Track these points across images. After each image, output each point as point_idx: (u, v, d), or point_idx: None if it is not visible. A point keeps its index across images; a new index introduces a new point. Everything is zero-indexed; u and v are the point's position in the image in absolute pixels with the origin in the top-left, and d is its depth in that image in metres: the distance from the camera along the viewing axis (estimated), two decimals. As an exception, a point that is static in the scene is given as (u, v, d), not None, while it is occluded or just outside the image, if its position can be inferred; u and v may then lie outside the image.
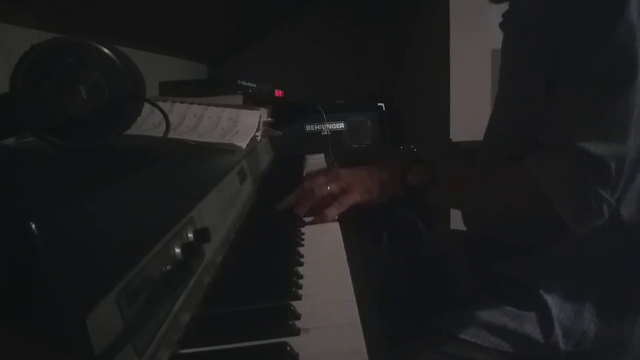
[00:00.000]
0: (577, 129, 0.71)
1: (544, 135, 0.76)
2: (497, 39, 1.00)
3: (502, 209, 0.83)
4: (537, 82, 0.78)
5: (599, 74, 0.70)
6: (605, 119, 0.70)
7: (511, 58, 0.88)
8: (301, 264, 0.65)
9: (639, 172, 0.75)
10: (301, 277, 0.60)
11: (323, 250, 0.71)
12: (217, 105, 0.98)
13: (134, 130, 0.68)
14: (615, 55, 0.69)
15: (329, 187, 0.85)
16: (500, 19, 0.94)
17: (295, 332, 0.47)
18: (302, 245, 0.73)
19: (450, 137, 1.73)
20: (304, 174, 1.04)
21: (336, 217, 0.84)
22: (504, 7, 0.94)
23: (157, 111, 0.69)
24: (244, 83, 1.36)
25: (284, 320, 0.49)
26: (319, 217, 0.84)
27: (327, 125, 1.92)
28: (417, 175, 0.82)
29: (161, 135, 0.71)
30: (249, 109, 1.00)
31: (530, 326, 0.78)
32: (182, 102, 0.97)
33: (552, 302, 0.78)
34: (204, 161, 0.78)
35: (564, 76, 0.74)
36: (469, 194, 0.85)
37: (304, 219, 0.83)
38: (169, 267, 0.48)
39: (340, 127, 1.94)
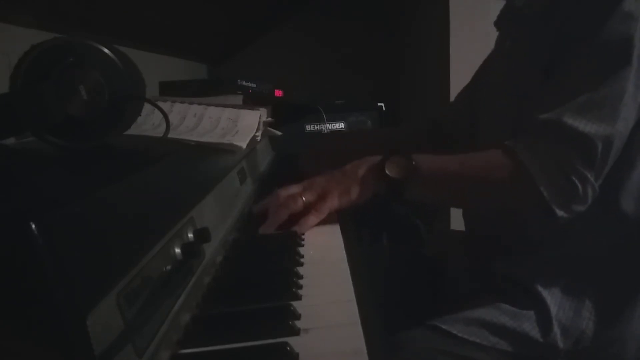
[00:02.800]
0: (567, 106, 0.70)
1: (533, 115, 0.74)
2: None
3: (486, 195, 0.79)
4: (535, 78, 0.77)
5: (593, 57, 0.70)
6: (596, 99, 0.69)
7: (509, 54, 0.88)
8: (301, 264, 0.65)
9: (635, 168, 0.75)
10: (301, 277, 0.60)
11: (323, 250, 0.71)
12: (217, 105, 0.98)
13: (134, 130, 0.68)
14: (610, 40, 0.69)
15: (304, 198, 0.79)
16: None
17: (296, 332, 0.47)
18: (302, 245, 0.73)
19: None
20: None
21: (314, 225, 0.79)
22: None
23: (157, 111, 0.69)
24: (244, 83, 1.36)
25: (284, 320, 0.49)
26: (297, 227, 0.78)
27: (327, 125, 1.92)
28: (396, 168, 0.77)
29: (161, 135, 0.71)
30: (249, 109, 1.00)
31: (529, 325, 0.78)
32: (182, 102, 0.97)
33: (551, 300, 0.78)
34: (204, 161, 0.78)
35: (560, 59, 0.74)
36: (452, 184, 0.79)
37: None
38: (169, 267, 0.48)
39: (340, 127, 1.94)
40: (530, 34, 0.80)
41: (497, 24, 0.93)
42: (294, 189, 0.81)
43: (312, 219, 0.79)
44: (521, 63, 0.83)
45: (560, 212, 0.70)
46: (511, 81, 0.85)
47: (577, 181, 0.69)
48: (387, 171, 0.77)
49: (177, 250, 0.51)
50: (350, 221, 0.86)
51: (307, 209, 0.79)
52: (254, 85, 1.41)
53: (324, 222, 0.82)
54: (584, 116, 0.69)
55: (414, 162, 0.76)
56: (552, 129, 0.70)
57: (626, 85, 0.68)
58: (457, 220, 1.60)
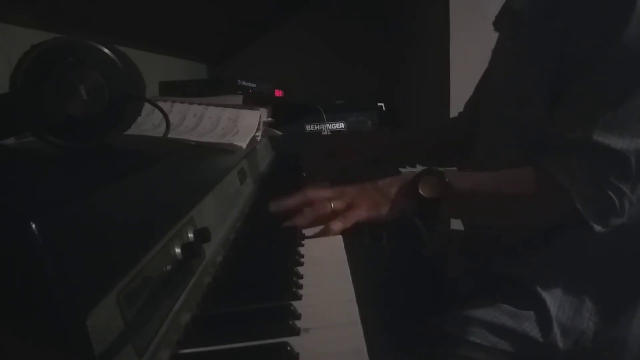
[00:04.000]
0: (594, 124, 0.69)
1: (558, 133, 0.74)
2: (497, 39, 1.00)
3: (523, 214, 0.79)
4: (539, 83, 0.77)
5: (613, 68, 0.70)
6: (623, 114, 0.69)
7: (510, 58, 0.87)
8: (301, 264, 0.65)
9: None
10: (301, 277, 0.60)
11: (323, 250, 0.71)
12: (217, 105, 0.98)
13: (134, 130, 0.68)
14: (630, 49, 0.68)
15: (332, 205, 0.78)
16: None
17: (296, 332, 0.47)
18: (302, 245, 0.73)
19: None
20: (305, 176, 0.99)
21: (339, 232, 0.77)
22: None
23: (157, 111, 0.69)
24: (244, 83, 1.36)
25: (284, 320, 0.49)
26: (322, 230, 0.78)
27: (327, 125, 1.92)
28: (429, 187, 0.76)
29: (161, 135, 0.71)
30: (249, 109, 1.00)
31: (529, 325, 0.78)
32: (182, 102, 0.97)
33: (551, 301, 0.78)
34: (204, 161, 0.78)
35: (576, 71, 0.73)
36: (487, 204, 0.79)
37: (303, 232, 0.77)
38: (169, 267, 0.48)
39: (340, 127, 1.94)
40: (531, 37, 0.79)
41: (496, 24, 0.93)
42: (324, 193, 0.80)
43: (339, 225, 0.77)
44: (522, 65, 0.82)
45: (598, 228, 0.71)
46: (512, 83, 0.84)
47: (614, 196, 0.69)
48: (420, 190, 0.76)
49: (177, 250, 0.51)
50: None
51: (334, 214, 0.78)
52: (254, 85, 1.41)
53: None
54: (613, 132, 0.68)
55: (447, 181, 0.76)
56: (583, 148, 0.70)
57: None
58: (457, 220, 1.60)
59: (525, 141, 0.80)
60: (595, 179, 0.70)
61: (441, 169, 0.78)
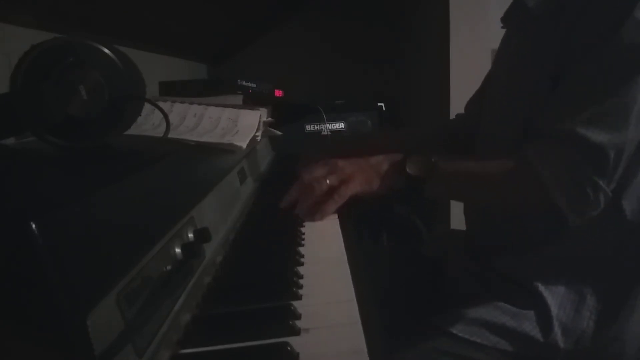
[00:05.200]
0: (577, 115, 0.71)
1: (544, 121, 0.75)
2: (497, 38, 1.00)
3: (502, 199, 0.82)
4: (543, 78, 0.77)
5: (604, 65, 0.70)
6: (607, 108, 0.70)
7: (516, 53, 0.87)
8: (301, 264, 0.65)
9: (639, 170, 0.75)
10: (301, 277, 0.60)
11: (323, 250, 0.71)
12: (217, 105, 0.98)
13: (134, 130, 0.68)
14: (622, 48, 0.69)
15: (328, 180, 0.83)
16: (500, 18, 0.94)
17: (296, 332, 0.47)
18: (302, 245, 0.73)
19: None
20: (300, 164, 1.01)
21: (335, 210, 0.83)
22: (504, 5, 0.93)
23: (157, 111, 0.69)
24: (244, 83, 1.36)
25: (285, 320, 0.49)
26: (318, 213, 0.83)
27: (327, 125, 1.92)
28: (417, 166, 0.81)
29: (161, 135, 0.71)
30: (249, 109, 1.00)
31: (529, 325, 0.78)
32: (182, 102, 0.97)
33: (552, 300, 0.78)
34: (204, 161, 0.78)
35: (569, 67, 0.74)
36: (468, 185, 0.83)
37: (303, 232, 0.81)
38: (169, 267, 0.48)
39: (340, 127, 1.94)
40: (539, 35, 0.80)
41: (504, 20, 0.93)
42: (318, 171, 0.85)
43: (332, 204, 0.83)
44: (528, 63, 0.82)
45: (572, 219, 0.72)
46: (517, 81, 0.85)
47: (589, 190, 0.70)
48: (407, 169, 0.81)
49: (177, 250, 0.51)
50: (351, 221, 0.86)
51: (330, 191, 0.83)
52: (254, 85, 1.41)
53: (324, 222, 0.82)
54: (595, 125, 0.69)
55: (433, 161, 0.80)
56: (565, 139, 0.71)
57: (637, 93, 0.69)
58: (457, 220, 1.60)
59: (525, 133, 0.80)
60: (572, 171, 0.71)
61: (426, 151, 0.82)
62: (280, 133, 1.30)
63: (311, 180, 0.84)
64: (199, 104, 0.97)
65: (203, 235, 0.56)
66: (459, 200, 0.97)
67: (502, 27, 0.95)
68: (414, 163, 0.82)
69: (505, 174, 0.78)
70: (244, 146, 0.87)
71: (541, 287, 0.79)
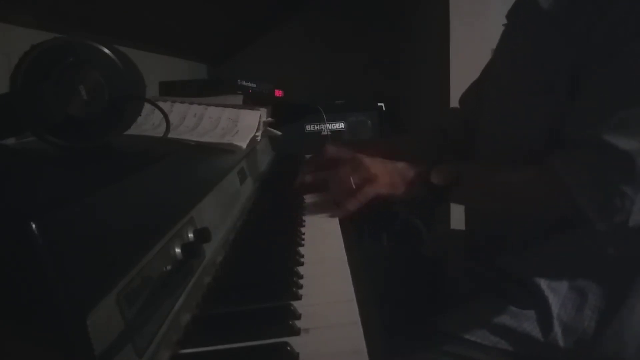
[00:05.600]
0: (604, 123, 0.70)
1: (569, 129, 0.74)
2: (497, 38, 1.00)
3: (527, 207, 0.81)
4: (560, 78, 0.77)
5: (630, 68, 0.69)
6: (634, 114, 0.68)
7: (523, 51, 0.86)
8: (301, 264, 0.65)
9: None
10: (301, 277, 0.60)
11: (323, 250, 0.71)
12: (217, 105, 0.98)
13: (134, 130, 0.68)
14: None
15: (352, 179, 0.85)
16: (500, 19, 0.94)
17: (296, 332, 0.47)
18: (302, 245, 0.73)
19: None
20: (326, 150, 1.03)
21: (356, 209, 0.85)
22: (504, 5, 0.93)
23: (157, 111, 0.69)
24: (244, 83, 1.36)
25: (284, 320, 0.49)
26: (339, 210, 0.85)
27: (327, 125, 1.92)
28: (441, 176, 0.82)
29: (161, 135, 0.71)
30: (249, 109, 1.00)
31: (529, 324, 0.78)
32: (182, 102, 0.97)
33: (553, 299, 0.78)
34: (204, 161, 0.78)
35: (593, 69, 0.73)
36: (492, 195, 0.83)
37: (303, 233, 0.82)
38: (169, 267, 0.48)
39: (340, 127, 1.94)
40: (552, 34, 0.79)
41: (510, 17, 0.92)
42: (344, 169, 0.87)
43: (354, 202, 0.85)
44: (539, 64, 0.81)
45: (601, 227, 0.71)
46: (525, 81, 0.84)
47: (617, 198, 0.69)
48: (432, 179, 0.82)
49: (177, 250, 0.51)
50: (351, 221, 0.86)
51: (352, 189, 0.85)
52: (254, 85, 1.41)
53: (324, 222, 0.82)
54: (622, 133, 0.68)
55: (457, 171, 0.81)
56: (591, 146, 0.70)
57: None
58: (457, 219, 1.60)
59: (538, 136, 0.80)
60: (598, 179, 0.70)
61: (453, 159, 0.84)
62: (280, 133, 1.30)
63: (338, 177, 0.86)
64: (199, 104, 0.97)
65: (203, 235, 0.56)
66: (482, 208, 0.96)
67: (504, 25, 0.94)
68: (439, 173, 0.82)
69: (531, 184, 0.78)
70: (244, 146, 0.87)
71: (543, 286, 0.78)
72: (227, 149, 0.85)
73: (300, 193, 1.00)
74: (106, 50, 0.56)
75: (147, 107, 0.68)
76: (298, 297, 0.55)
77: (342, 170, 0.87)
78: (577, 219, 0.72)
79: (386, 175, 0.85)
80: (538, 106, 0.80)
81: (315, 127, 1.92)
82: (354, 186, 0.85)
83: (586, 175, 0.71)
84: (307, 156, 1.44)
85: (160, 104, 0.77)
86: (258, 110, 1.00)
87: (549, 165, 0.74)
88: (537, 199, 0.78)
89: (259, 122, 0.98)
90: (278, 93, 1.64)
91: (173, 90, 1.28)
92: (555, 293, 0.78)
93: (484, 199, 0.86)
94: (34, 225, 0.30)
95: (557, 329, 0.77)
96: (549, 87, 0.79)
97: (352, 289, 0.56)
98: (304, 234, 0.78)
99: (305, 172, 1.00)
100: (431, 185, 0.82)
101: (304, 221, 0.84)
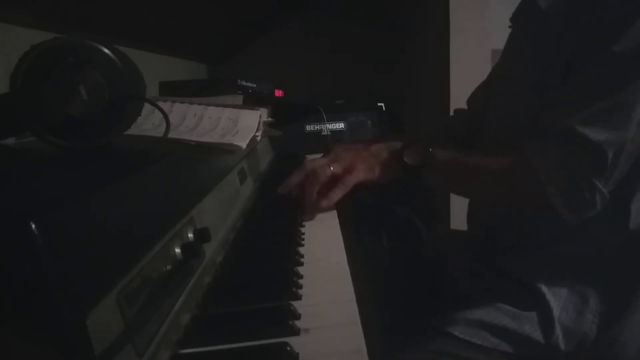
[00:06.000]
0: (578, 113, 0.70)
1: (545, 119, 0.75)
2: (497, 39, 1.00)
3: (497, 193, 0.82)
4: (554, 75, 0.77)
5: (608, 64, 0.70)
6: (609, 106, 0.69)
7: (526, 52, 0.87)
8: (301, 264, 0.65)
9: None
10: (301, 277, 0.60)
11: (323, 250, 0.71)
12: (217, 105, 0.98)
13: (134, 130, 0.68)
14: (627, 48, 0.68)
15: (331, 168, 0.85)
16: (500, 19, 0.94)
17: (296, 332, 0.47)
18: (302, 245, 0.73)
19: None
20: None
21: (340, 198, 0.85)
22: (504, 5, 0.93)
23: (157, 111, 0.69)
24: (244, 83, 1.36)
25: (284, 320, 0.49)
26: (325, 199, 0.85)
27: (327, 125, 1.92)
28: (414, 156, 0.83)
29: (161, 135, 0.71)
30: (249, 109, 1.00)
31: (530, 327, 0.77)
32: (182, 102, 0.97)
33: (554, 302, 0.77)
34: (204, 161, 0.78)
35: (577, 64, 0.74)
36: (465, 176, 0.84)
37: (303, 232, 0.81)
38: (169, 267, 0.48)
39: (340, 127, 1.94)
40: (551, 32, 0.79)
41: (514, 20, 0.92)
42: (321, 161, 0.88)
43: (338, 192, 0.85)
44: (539, 60, 0.82)
45: (568, 218, 0.72)
46: (527, 81, 0.84)
47: (586, 190, 0.70)
48: (405, 158, 0.83)
49: (177, 250, 0.51)
50: (350, 221, 0.86)
51: (334, 180, 0.86)
52: (254, 85, 1.41)
53: (323, 219, 0.82)
54: (595, 124, 0.69)
55: (430, 151, 0.82)
56: (563, 136, 0.71)
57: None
58: (457, 220, 1.60)
59: (531, 130, 0.80)
60: (569, 169, 0.70)
61: (426, 139, 0.84)
62: (280, 133, 1.30)
63: (315, 167, 0.86)
64: (199, 104, 0.97)
65: (203, 235, 0.56)
66: (454, 192, 0.99)
67: (509, 27, 0.95)
68: (412, 152, 0.83)
69: (501, 168, 0.78)
70: (244, 146, 0.87)
71: (544, 289, 0.78)
72: (227, 149, 0.85)
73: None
74: (106, 50, 0.56)
75: (147, 107, 0.68)
76: (298, 297, 0.55)
77: (319, 162, 0.87)
78: (547, 210, 0.72)
79: (361, 161, 0.86)
80: (532, 105, 0.80)
81: (315, 127, 1.92)
82: (330, 174, 0.85)
83: (557, 165, 0.71)
84: (308, 157, 1.44)
85: (160, 104, 0.77)
86: (258, 110, 1.00)
87: (522, 152, 0.74)
88: (506, 185, 0.79)
89: (259, 122, 0.98)
90: (278, 93, 1.64)
91: (173, 90, 1.28)
92: (556, 296, 0.78)
93: (455, 181, 0.87)
94: (33, 226, 0.30)
95: (559, 332, 0.76)
96: (546, 89, 0.79)
97: (352, 289, 0.56)
98: (304, 234, 0.78)
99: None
100: (405, 166, 0.83)
101: (304, 221, 0.84)
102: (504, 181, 0.79)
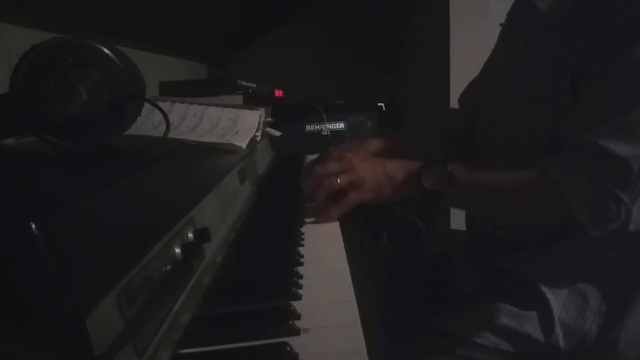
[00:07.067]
0: (602, 127, 0.69)
1: (566, 133, 0.74)
2: (497, 37, 1.00)
3: (522, 212, 0.79)
4: (562, 83, 0.76)
5: (627, 76, 0.69)
6: (631, 120, 0.68)
7: (524, 55, 0.86)
8: (301, 264, 0.65)
9: None
10: (301, 277, 0.60)
11: (323, 250, 0.71)
12: (217, 105, 0.98)
13: (134, 130, 0.68)
14: None
15: (339, 180, 0.81)
16: (501, 18, 0.93)
17: (295, 332, 0.47)
18: (302, 245, 0.73)
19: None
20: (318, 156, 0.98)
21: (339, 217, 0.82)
22: (505, 5, 0.93)
23: (157, 111, 0.69)
24: (244, 83, 1.36)
25: (284, 320, 0.49)
26: (322, 216, 0.83)
27: (327, 125, 1.92)
28: (433, 179, 0.78)
29: (161, 135, 0.71)
30: (249, 109, 1.00)
31: (530, 326, 0.77)
32: (182, 102, 0.97)
33: (554, 301, 0.77)
34: (204, 161, 0.78)
35: (592, 74, 0.73)
36: (487, 198, 0.80)
37: (303, 232, 0.80)
38: (169, 267, 0.48)
39: (340, 127, 1.94)
40: (556, 39, 0.78)
41: (509, 19, 0.91)
42: (331, 167, 0.83)
43: (338, 210, 0.82)
44: (541, 66, 0.81)
45: (594, 232, 0.71)
46: (523, 83, 0.83)
47: (612, 203, 0.69)
48: (423, 182, 0.78)
49: (177, 250, 0.51)
50: (351, 221, 0.86)
51: (341, 190, 0.82)
52: (254, 85, 1.41)
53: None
54: (619, 138, 0.68)
55: (450, 173, 0.77)
56: (587, 151, 0.70)
57: None
58: (457, 220, 1.60)
59: (538, 140, 0.79)
60: (595, 184, 0.69)
61: (445, 161, 0.79)
62: (280, 133, 1.30)
63: (322, 175, 0.83)
64: (199, 104, 0.97)
65: (203, 235, 0.56)
66: (474, 212, 0.92)
67: (501, 24, 0.94)
68: (430, 175, 0.78)
69: (525, 186, 0.76)
70: (244, 146, 0.87)
71: (544, 288, 0.78)
72: (227, 149, 0.85)
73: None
74: (106, 50, 0.56)
75: (147, 107, 0.68)
76: (298, 297, 0.54)
77: (329, 169, 0.83)
78: (572, 225, 0.72)
79: (374, 179, 0.81)
80: (537, 113, 0.80)
81: (315, 127, 1.92)
82: (337, 186, 0.81)
83: (582, 180, 0.70)
84: (308, 157, 1.44)
85: (160, 103, 0.77)
86: (258, 110, 1.00)
87: (544, 169, 0.73)
88: (531, 203, 0.77)
89: (259, 122, 0.98)
90: (278, 93, 1.64)
91: (173, 90, 1.28)
92: (556, 296, 0.78)
93: (476, 202, 0.84)
94: (33, 226, 0.30)
95: (559, 331, 0.76)
96: (549, 95, 0.78)
97: (352, 289, 0.56)
98: (303, 234, 0.78)
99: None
100: (424, 190, 0.78)
101: (304, 221, 0.84)
102: (528, 199, 0.77)
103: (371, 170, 0.82)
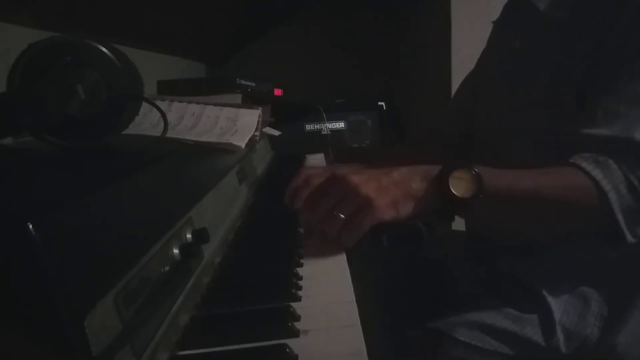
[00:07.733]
0: (636, 123, 0.66)
1: (595, 130, 0.68)
2: (497, 38, 1.00)
3: (559, 216, 0.69)
4: (565, 83, 0.75)
5: None
6: None
7: (518, 56, 0.85)
8: (301, 265, 0.65)
9: None
10: (301, 278, 0.60)
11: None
12: (215, 105, 0.98)
13: (132, 129, 0.68)
14: None
15: (341, 215, 0.65)
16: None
17: (295, 333, 0.47)
18: (302, 246, 0.72)
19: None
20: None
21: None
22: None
23: (155, 110, 0.68)
24: (243, 82, 1.36)
25: (283, 321, 0.48)
26: (337, 245, 0.68)
27: (327, 124, 1.91)
28: (461, 183, 0.64)
29: (159, 134, 0.71)
30: (248, 108, 1.00)
31: (531, 329, 0.77)
32: (180, 101, 0.96)
33: (555, 304, 0.77)
34: (202, 161, 0.77)
35: (609, 73, 0.70)
36: (522, 202, 0.68)
37: (302, 231, 0.73)
38: (167, 268, 0.48)
39: (340, 126, 1.94)
40: (558, 42, 0.77)
41: (503, 18, 0.91)
42: (325, 202, 0.66)
43: (350, 238, 0.66)
44: (537, 67, 0.79)
45: (630, 237, 0.65)
46: (522, 84, 0.82)
47: None
48: (452, 188, 0.64)
49: (176, 251, 0.51)
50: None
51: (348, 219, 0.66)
52: (253, 84, 1.40)
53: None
54: None
55: (481, 176, 0.64)
56: (622, 148, 0.66)
57: None
58: (457, 220, 1.59)
59: (544, 143, 0.78)
60: (632, 182, 0.64)
61: (469, 162, 0.66)
62: (280, 133, 1.30)
63: (321, 219, 0.66)
64: (198, 103, 0.97)
65: (202, 235, 0.56)
66: (509, 223, 0.75)
67: (493, 22, 0.93)
68: (457, 180, 0.64)
69: (565, 187, 0.67)
70: (243, 146, 0.87)
71: (545, 291, 0.78)
72: (226, 149, 0.84)
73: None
74: (104, 50, 0.56)
75: (146, 106, 0.68)
76: (297, 299, 0.54)
77: (323, 204, 0.66)
78: (607, 230, 0.66)
79: (382, 195, 0.64)
80: (536, 114, 0.79)
81: (315, 127, 1.92)
82: (342, 221, 0.65)
83: (621, 177, 0.65)
84: (308, 157, 1.44)
85: (159, 103, 0.76)
86: (257, 109, 1.00)
87: (576, 167, 0.66)
88: (571, 205, 0.67)
89: (258, 121, 0.98)
90: (277, 92, 1.64)
91: (171, 89, 1.28)
92: (558, 299, 0.77)
93: (510, 210, 0.70)
94: (31, 227, 0.30)
95: (560, 334, 0.76)
96: (549, 95, 0.77)
97: (352, 290, 0.56)
98: (303, 234, 0.78)
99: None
100: (450, 197, 0.64)
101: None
102: (569, 204, 0.67)
103: (375, 184, 0.64)
